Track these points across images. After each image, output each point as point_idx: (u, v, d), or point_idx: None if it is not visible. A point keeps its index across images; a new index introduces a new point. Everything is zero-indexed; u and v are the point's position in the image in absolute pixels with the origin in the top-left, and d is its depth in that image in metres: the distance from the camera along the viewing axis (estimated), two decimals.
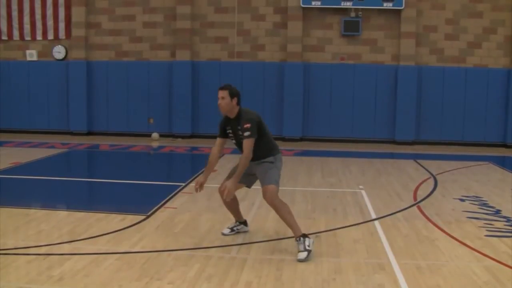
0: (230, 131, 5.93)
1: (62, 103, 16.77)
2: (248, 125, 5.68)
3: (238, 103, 5.86)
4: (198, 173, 10.58)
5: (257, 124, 5.75)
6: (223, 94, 5.82)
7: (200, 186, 6.06)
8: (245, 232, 6.45)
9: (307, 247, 5.57)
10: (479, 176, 10.89)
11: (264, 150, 5.84)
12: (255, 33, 16.24)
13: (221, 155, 6.13)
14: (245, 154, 5.68)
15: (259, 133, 5.76)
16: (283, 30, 16.07)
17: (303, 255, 5.52)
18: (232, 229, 6.41)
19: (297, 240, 5.67)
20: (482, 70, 15.70)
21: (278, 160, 5.93)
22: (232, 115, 5.87)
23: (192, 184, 9.44)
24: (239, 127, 5.77)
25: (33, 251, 5.63)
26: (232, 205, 6.33)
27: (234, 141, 5.95)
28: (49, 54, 16.88)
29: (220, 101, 5.81)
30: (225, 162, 11.69)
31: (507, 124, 15.57)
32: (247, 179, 6.06)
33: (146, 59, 16.61)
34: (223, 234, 6.35)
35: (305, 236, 5.68)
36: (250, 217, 7.11)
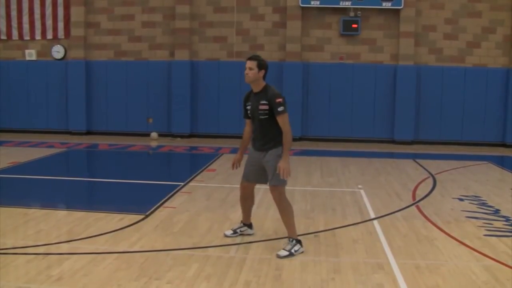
0: (250, 106, 5.80)
1: (61, 102, 16.75)
2: (280, 100, 5.56)
3: (264, 77, 5.73)
4: (197, 173, 10.60)
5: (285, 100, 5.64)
6: (251, 64, 5.67)
7: (237, 162, 6.08)
8: (249, 235, 6.32)
9: (292, 251, 5.61)
10: (478, 176, 10.90)
11: (274, 137, 5.68)
12: (254, 33, 16.24)
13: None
14: (285, 130, 5.59)
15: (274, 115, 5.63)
16: (282, 30, 16.06)
17: (283, 253, 5.58)
18: (235, 231, 6.30)
19: (289, 240, 5.74)
20: (481, 70, 15.70)
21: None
22: (257, 88, 5.74)
23: (192, 184, 9.46)
24: (262, 102, 5.62)
25: (32, 250, 5.63)
26: (249, 204, 6.24)
27: (250, 115, 5.84)
28: (48, 54, 16.87)
29: (247, 71, 5.67)
30: (224, 161, 11.71)
31: (506, 123, 15.57)
32: (259, 175, 5.91)
33: (145, 58, 16.60)
34: (225, 236, 6.26)
35: (298, 242, 5.73)
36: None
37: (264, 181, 5.95)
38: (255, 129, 5.84)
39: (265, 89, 5.71)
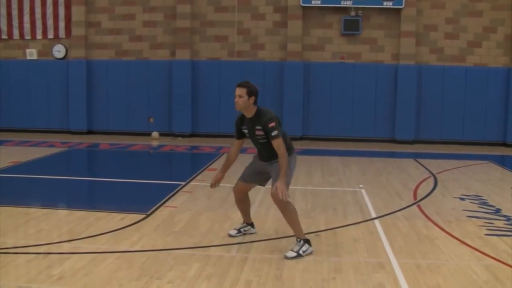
0: (247, 130, 5.80)
1: (62, 102, 16.76)
2: (273, 124, 5.50)
3: (255, 102, 5.66)
4: (198, 172, 10.60)
5: (279, 122, 5.62)
6: (240, 92, 5.61)
7: (217, 182, 6.02)
8: (251, 234, 6.34)
9: (300, 252, 5.56)
10: (479, 175, 10.89)
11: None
12: (255, 32, 16.24)
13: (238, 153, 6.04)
14: (280, 153, 5.50)
15: None
16: (283, 29, 16.06)
17: (291, 254, 5.53)
18: (239, 231, 6.30)
19: (297, 241, 5.67)
20: (482, 69, 15.69)
21: (292, 159, 5.82)
22: (249, 114, 5.70)
23: (193, 183, 9.46)
24: (257, 127, 5.61)
25: (32, 250, 5.63)
26: (244, 206, 6.26)
27: (249, 138, 5.85)
28: (49, 53, 16.88)
29: (237, 99, 5.63)
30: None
31: (507, 123, 15.56)
32: (261, 178, 5.98)
33: (146, 58, 16.61)
34: (230, 235, 6.25)
35: (306, 241, 5.67)
36: (250, 217, 7.10)
37: (261, 183, 6.02)
38: (259, 149, 5.84)
39: (258, 113, 5.66)
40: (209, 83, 16.30)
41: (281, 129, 5.63)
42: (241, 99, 5.62)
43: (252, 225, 6.40)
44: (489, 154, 13.90)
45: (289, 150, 5.75)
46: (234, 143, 6.04)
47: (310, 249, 5.66)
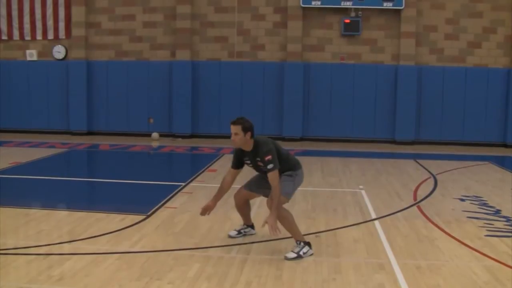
0: (249, 161, 5.78)
1: (62, 103, 16.76)
2: (269, 157, 5.49)
3: (252, 136, 5.59)
4: (198, 173, 10.60)
5: (276, 152, 5.60)
6: (235, 129, 5.52)
7: (208, 211, 5.91)
8: (251, 235, 6.36)
9: (300, 253, 5.57)
10: (479, 176, 10.89)
11: (282, 170, 5.73)
12: (255, 33, 16.24)
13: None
14: (274, 185, 5.49)
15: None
16: (283, 30, 16.07)
17: (291, 255, 5.54)
18: (239, 232, 6.32)
19: (297, 243, 5.68)
20: (482, 70, 15.69)
21: (298, 175, 5.87)
22: (248, 148, 5.67)
23: (193, 184, 9.46)
24: (258, 159, 5.61)
25: (33, 251, 5.63)
26: (244, 210, 6.29)
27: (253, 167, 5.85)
28: (49, 54, 16.88)
29: (233, 137, 5.56)
30: (226, 162, 11.70)
31: (507, 123, 15.56)
32: (265, 191, 5.90)
33: (146, 59, 16.61)
34: (230, 236, 6.26)
35: (306, 244, 5.67)
36: (250, 217, 7.09)
37: (262, 193, 6.00)
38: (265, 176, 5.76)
39: (256, 146, 5.62)
40: (209, 83, 16.30)
41: (280, 154, 5.65)
42: (238, 137, 5.55)
43: (252, 226, 6.41)
44: (489, 155, 13.90)
45: (293, 167, 5.83)
46: (230, 172, 5.92)
47: (311, 251, 5.67)
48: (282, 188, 5.62)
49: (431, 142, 15.88)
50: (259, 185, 5.98)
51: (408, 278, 5.03)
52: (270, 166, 5.51)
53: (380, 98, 15.94)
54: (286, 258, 5.52)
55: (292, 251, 5.60)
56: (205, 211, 5.90)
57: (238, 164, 5.86)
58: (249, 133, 5.56)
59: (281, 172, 5.69)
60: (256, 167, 5.78)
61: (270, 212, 5.53)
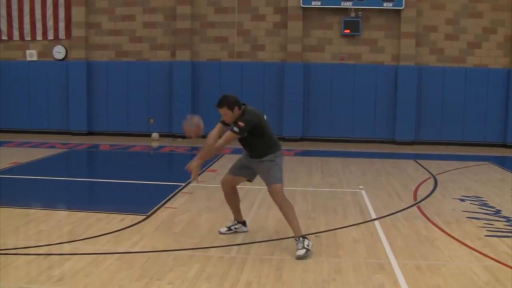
0: None
1: (62, 103, 16.76)
2: (241, 124, 5.69)
3: (240, 107, 5.83)
4: (198, 173, 10.57)
5: (253, 126, 5.74)
6: (223, 111, 5.81)
7: (195, 169, 5.94)
8: (243, 232, 6.43)
9: (306, 246, 5.64)
10: (479, 176, 10.89)
11: (263, 149, 5.87)
12: (255, 33, 16.24)
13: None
14: (219, 142, 5.78)
15: (258, 133, 5.79)
16: (283, 30, 16.07)
17: (301, 252, 5.59)
18: (229, 228, 6.41)
19: (296, 240, 5.72)
20: (482, 70, 15.70)
21: (278, 157, 5.93)
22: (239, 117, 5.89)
23: (193, 184, 9.45)
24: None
25: (33, 251, 5.63)
26: (233, 201, 6.34)
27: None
28: (49, 54, 16.88)
29: (224, 118, 5.85)
30: (226, 162, 11.69)
31: (507, 124, 15.56)
32: (247, 172, 6.12)
33: (146, 59, 16.61)
34: (220, 233, 6.37)
35: (304, 237, 5.74)
36: (250, 217, 7.11)
37: (249, 178, 6.15)
38: (243, 145, 6.02)
39: (242, 114, 5.83)
40: (209, 84, 16.29)
41: (264, 130, 5.84)
42: (228, 116, 5.83)
43: (244, 223, 6.47)
44: (489, 155, 13.90)
45: (273, 148, 5.92)
46: (217, 126, 6.08)
47: (310, 242, 5.76)
48: (274, 176, 5.79)
49: (431, 142, 15.88)
50: (241, 168, 6.12)
51: (408, 278, 5.03)
52: (235, 129, 5.70)
53: (380, 98, 15.94)
54: (299, 257, 5.54)
55: (299, 249, 5.62)
56: (190, 168, 5.94)
57: (224, 122, 6.00)
58: (236, 108, 5.79)
59: (263, 151, 5.84)
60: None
61: (196, 157, 5.91)
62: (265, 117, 6.00)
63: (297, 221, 5.83)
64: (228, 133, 5.73)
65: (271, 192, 5.83)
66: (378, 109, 15.98)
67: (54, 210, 7.55)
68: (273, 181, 5.78)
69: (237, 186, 6.34)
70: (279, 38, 16.15)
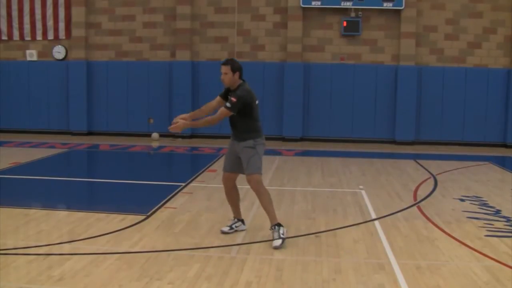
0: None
1: (62, 103, 16.76)
2: (234, 100, 5.88)
3: (240, 77, 6.06)
4: (198, 174, 10.61)
5: (244, 103, 5.91)
6: (225, 69, 6.00)
7: (178, 118, 6.14)
8: (242, 230, 6.46)
9: (281, 235, 5.86)
10: (479, 176, 10.89)
11: (246, 131, 6.05)
12: (255, 33, 16.24)
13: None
14: (214, 117, 5.98)
15: (244, 112, 5.95)
16: (283, 30, 16.07)
17: (278, 242, 5.82)
18: (231, 227, 6.44)
19: (272, 228, 5.95)
20: (482, 70, 15.70)
21: (259, 145, 6.08)
22: (234, 87, 6.09)
23: (193, 184, 9.47)
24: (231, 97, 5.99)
25: (33, 251, 5.63)
26: (233, 197, 6.41)
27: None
28: (49, 54, 16.88)
29: (223, 76, 6.02)
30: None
31: (507, 124, 15.56)
32: (238, 165, 6.18)
33: (146, 59, 16.61)
34: (222, 232, 6.39)
35: (279, 225, 5.94)
36: (250, 217, 7.11)
37: (240, 170, 6.22)
38: (231, 122, 6.15)
39: (238, 87, 6.04)
40: (209, 84, 16.26)
41: (251, 110, 5.99)
42: (227, 76, 6.02)
43: (242, 221, 6.55)
44: (489, 155, 13.90)
45: (254, 133, 6.07)
46: (216, 98, 6.30)
47: (285, 229, 5.99)
48: (253, 165, 5.96)
49: (431, 142, 15.88)
50: (231, 163, 6.25)
51: (408, 278, 5.03)
52: (228, 104, 5.91)
53: (380, 98, 15.94)
54: (276, 247, 5.77)
55: (275, 239, 5.86)
56: (176, 119, 6.13)
57: (225, 95, 6.18)
58: (237, 73, 6.04)
59: (244, 133, 6.03)
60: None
61: (187, 122, 6.11)
62: (257, 102, 6.12)
63: (273, 209, 6.05)
64: (222, 109, 5.97)
65: (249, 181, 6.04)
66: (378, 109, 15.98)
67: (54, 210, 7.55)
68: (252, 171, 5.98)
69: (237, 187, 6.40)
70: (279, 38, 16.15)
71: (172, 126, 6.02)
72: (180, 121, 6.03)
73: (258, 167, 6.01)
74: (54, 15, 16.67)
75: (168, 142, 15.70)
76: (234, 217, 6.52)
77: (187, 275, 5.03)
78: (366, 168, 11.68)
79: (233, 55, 16.21)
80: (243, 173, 6.23)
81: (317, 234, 6.49)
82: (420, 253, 5.83)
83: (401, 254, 5.75)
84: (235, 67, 6.01)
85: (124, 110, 16.65)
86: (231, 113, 5.93)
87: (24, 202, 7.97)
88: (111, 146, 14.67)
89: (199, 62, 16.39)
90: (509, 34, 15.59)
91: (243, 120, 6.01)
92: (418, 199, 8.58)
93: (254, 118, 6.07)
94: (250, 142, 6.01)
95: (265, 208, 6.07)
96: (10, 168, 10.75)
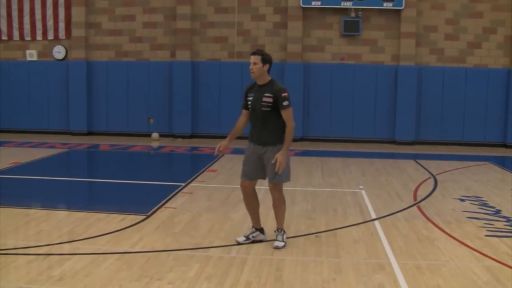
0: (252, 97, 5.79)
1: (62, 103, 16.76)
2: (285, 94, 5.65)
3: (269, 71, 5.78)
4: (198, 173, 10.60)
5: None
6: (255, 59, 5.69)
7: (223, 148, 5.85)
8: (261, 241, 6.05)
9: (284, 240, 5.91)
10: (479, 176, 10.89)
11: (276, 132, 5.74)
12: (255, 33, 16.24)
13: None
14: (289, 125, 5.69)
15: (278, 109, 5.69)
16: (283, 30, 16.07)
17: (280, 244, 5.88)
18: (247, 238, 6.04)
19: (278, 231, 5.96)
20: (482, 70, 15.70)
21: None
22: (262, 81, 5.76)
23: (193, 184, 9.46)
24: (266, 94, 5.66)
25: (33, 251, 5.63)
26: (253, 205, 6.03)
27: (250, 107, 5.83)
28: (49, 54, 16.88)
29: (252, 66, 5.69)
30: (225, 162, 11.70)
31: (507, 124, 15.56)
32: (261, 171, 5.87)
33: (146, 59, 16.61)
34: (238, 243, 5.98)
35: (284, 231, 6.02)
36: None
37: (263, 177, 5.92)
38: (255, 121, 5.81)
39: (271, 82, 5.77)
40: (209, 84, 16.30)
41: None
42: (256, 66, 5.68)
43: (261, 230, 6.10)
44: (489, 155, 13.90)
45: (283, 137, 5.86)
46: (242, 113, 6.01)
47: (286, 235, 6.06)
48: (281, 174, 5.70)
49: (431, 142, 15.88)
50: (252, 170, 5.87)
51: (408, 278, 5.03)
52: (285, 102, 5.65)
53: (380, 98, 15.93)
54: (277, 248, 5.81)
55: (279, 240, 5.89)
56: (220, 148, 5.85)
57: (246, 104, 5.91)
58: (267, 65, 5.73)
59: (277, 136, 5.72)
60: (256, 103, 5.73)
61: (282, 149, 5.66)
62: None
63: (284, 216, 6.02)
64: (284, 112, 5.66)
65: (273, 188, 5.82)
66: (378, 109, 15.98)
67: (54, 210, 7.55)
68: (278, 180, 5.76)
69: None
70: (279, 38, 16.15)
71: (277, 167, 5.55)
72: (279, 157, 5.56)
73: (286, 176, 5.79)
74: (54, 15, 16.67)
75: (168, 142, 15.70)
76: (253, 226, 6.09)
77: (187, 275, 5.03)
78: (366, 168, 11.68)
79: (233, 55, 16.23)
80: (262, 178, 5.91)
81: (317, 234, 6.49)
82: (420, 253, 5.83)
83: (401, 254, 5.75)
84: (266, 59, 5.71)
85: (124, 110, 16.65)
86: (292, 109, 5.70)
87: (24, 202, 7.97)
88: (111, 146, 14.67)
89: (199, 62, 16.38)
90: (509, 34, 15.59)
91: (277, 122, 5.70)
92: (418, 199, 8.58)
93: (283, 121, 5.74)
94: (281, 146, 5.67)
95: (278, 214, 5.90)
96: (10, 168, 10.75)
